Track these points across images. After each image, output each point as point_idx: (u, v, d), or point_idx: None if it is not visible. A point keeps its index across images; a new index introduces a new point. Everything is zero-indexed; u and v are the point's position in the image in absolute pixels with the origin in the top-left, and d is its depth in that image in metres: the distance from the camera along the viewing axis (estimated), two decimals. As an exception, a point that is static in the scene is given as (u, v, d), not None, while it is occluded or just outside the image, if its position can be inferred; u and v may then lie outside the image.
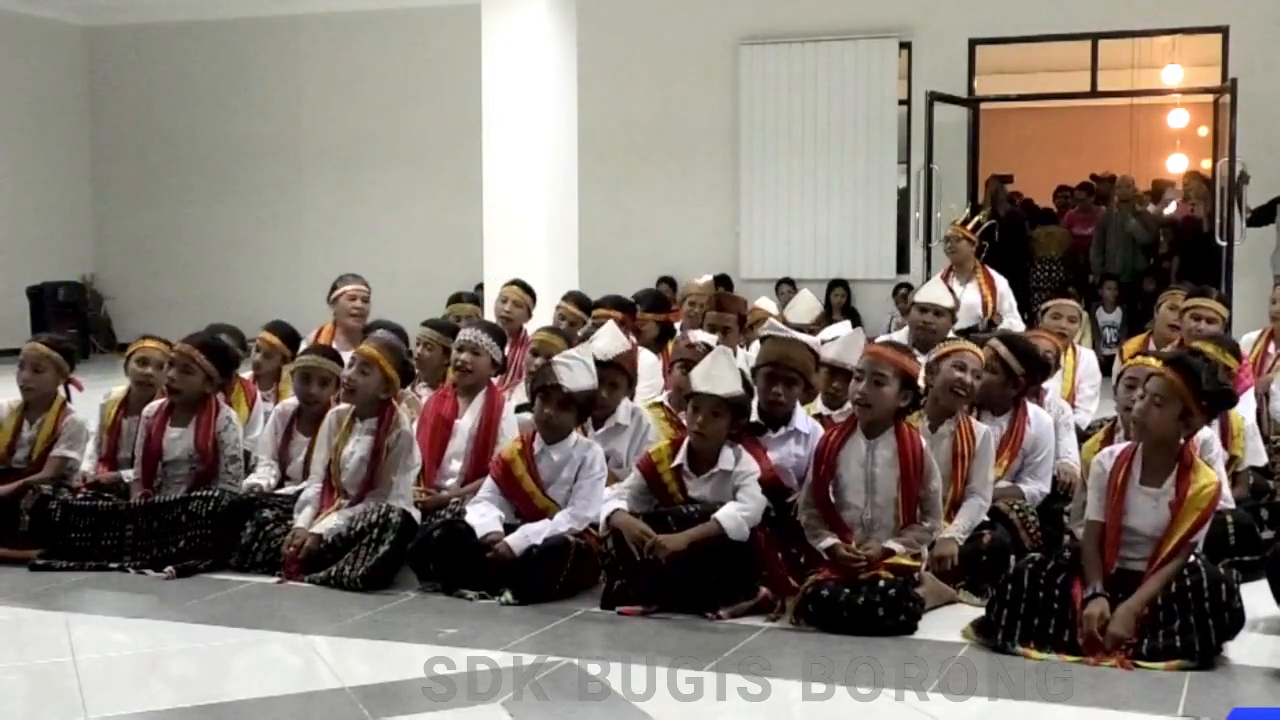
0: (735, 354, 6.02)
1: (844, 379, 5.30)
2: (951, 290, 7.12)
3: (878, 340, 5.25)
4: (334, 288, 7.68)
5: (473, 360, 5.74)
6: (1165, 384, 4.24)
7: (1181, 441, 4.31)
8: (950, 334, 6.45)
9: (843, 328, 6.14)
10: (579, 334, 6.78)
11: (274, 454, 5.84)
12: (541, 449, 5.09)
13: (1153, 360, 4.92)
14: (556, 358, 5.19)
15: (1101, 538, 4.27)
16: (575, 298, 7.98)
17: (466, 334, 5.86)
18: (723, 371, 4.81)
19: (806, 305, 7.23)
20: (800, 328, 6.57)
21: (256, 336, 6.85)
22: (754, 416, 5.03)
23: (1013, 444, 5.31)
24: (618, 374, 5.48)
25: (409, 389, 6.56)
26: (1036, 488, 5.34)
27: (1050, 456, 5.42)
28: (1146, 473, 4.30)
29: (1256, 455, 5.66)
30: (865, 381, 4.68)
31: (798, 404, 5.28)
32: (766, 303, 7.53)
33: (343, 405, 5.54)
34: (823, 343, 5.68)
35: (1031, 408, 5.43)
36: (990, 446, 5.04)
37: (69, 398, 6.02)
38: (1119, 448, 4.45)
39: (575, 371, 5.07)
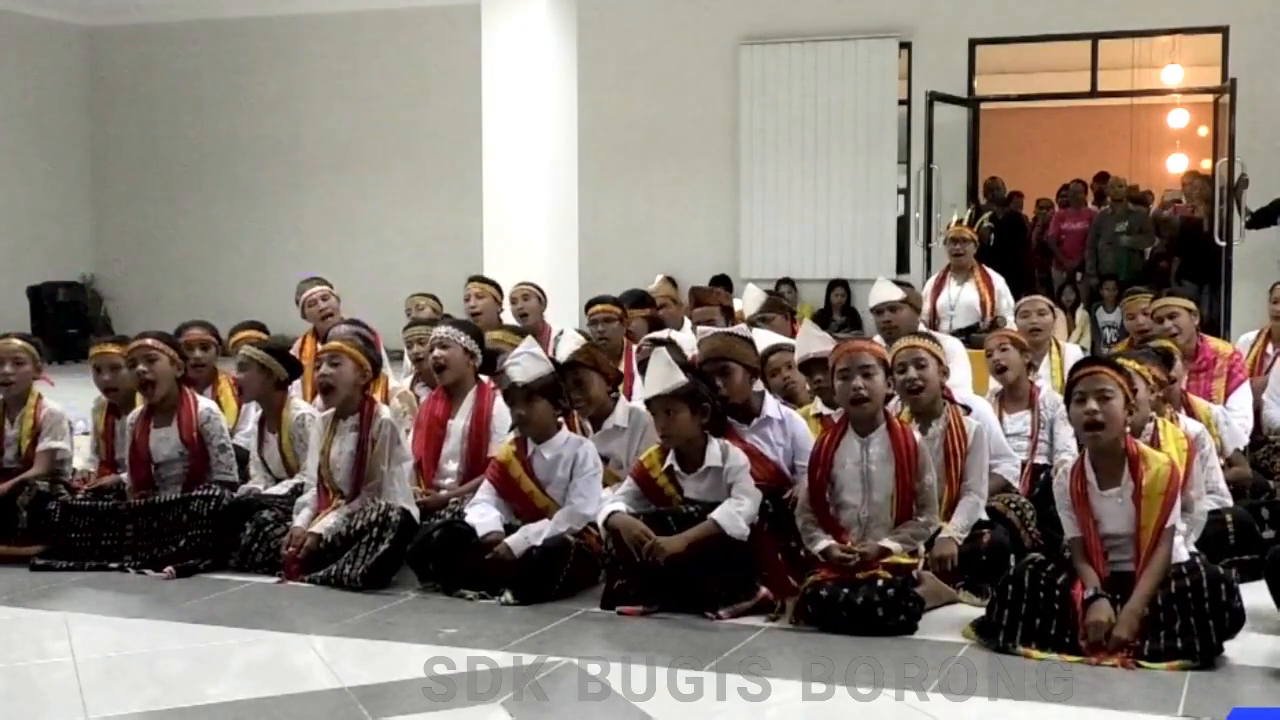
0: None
1: (824, 370, 5.27)
2: (906, 285, 7.18)
3: (840, 340, 5.16)
4: (297, 298, 7.62)
5: (445, 355, 5.74)
6: (1103, 378, 4.30)
7: (1125, 436, 4.34)
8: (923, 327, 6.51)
9: (764, 334, 6.13)
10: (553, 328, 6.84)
11: (257, 458, 5.86)
12: (534, 449, 5.11)
13: (1127, 361, 4.92)
14: (506, 361, 5.24)
15: (1085, 550, 4.29)
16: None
17: (438, 331, 5.87)
18: (660, 370, 4.86)
19: (753, 296, 7.36)
20: (752, 321, 6.69)
21: (232, 341, 6.81)
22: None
23: (960, 438, 5.14)
24: (583, 370, 5.40)
25: (410, 389, 6.58)
26: (1008, 465, 5.34)
27: (999, 435, 5.40)
28: (1101, 477, 4.32)
29: (1234, 438, 5.69)
30: (857, 377, 4.68)
31: (766, 394, 5.31)
32: (754, 290, 7.58)
33: (327, 410, 5.52)
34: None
35: (960, 395, 5.40)
36: (984, 441, 5.02)
37: (40, 394, 6.03)
38: (1070, 463, 4.49)
39: (524, 364, 5.10)
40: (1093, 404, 4.28)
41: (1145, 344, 5.78)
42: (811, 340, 5.53)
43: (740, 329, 5.56)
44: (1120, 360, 4.79)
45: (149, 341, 5.74)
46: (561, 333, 6.45)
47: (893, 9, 13.34)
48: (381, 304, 8.54)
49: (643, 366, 5.71)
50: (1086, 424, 4.30)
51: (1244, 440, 5.80)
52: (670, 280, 8.52)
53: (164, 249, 15.90)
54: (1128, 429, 4.37)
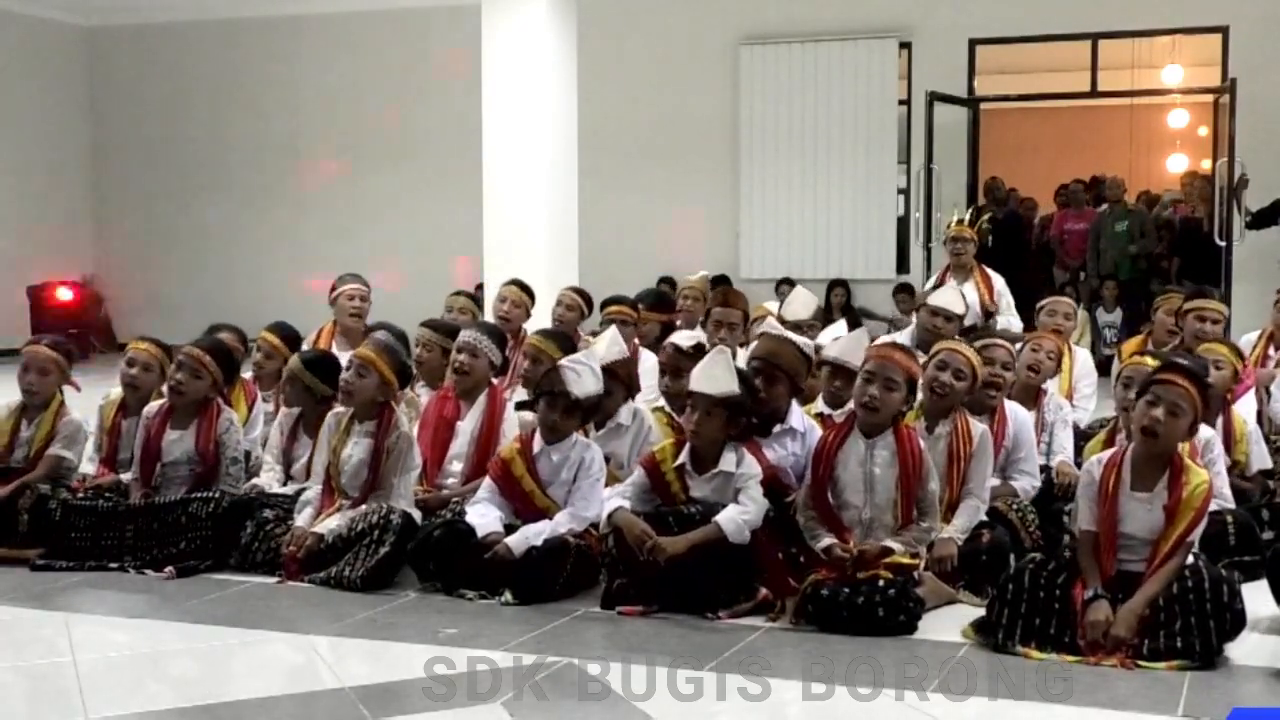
0: (735, 352, 6.06)
1: (845, 378, 5.29)
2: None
3: (881, 341, 5.22)
4: (333, 287, 7.67)
5: (470, 362, 5.73)
6: (1183, 394, 4.23)
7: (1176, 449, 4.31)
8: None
9: (841, 327, 6.14)
10: (583, 333, 6.77)
11: (279, 456, 5.85)
12: (541, 449, 5.09)
13: (1150, 360, 4.91)
14: (564, 362, 5.15)
15: (1096, 545, 4.27)
16: (577, 290, 8.00)
17: (466, 335, 5.85)
18: (719, 372, 4.80)
19: (802, 300, 7.21)
20: (799, 324, 6.57)
21: (258, 337, 6.84)
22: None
23: (994, 443, 5.25)
24: (612, 381, 5.42)
25: (409, 390, 6.57)
26: (1027, 483, 5.35)
27: (1033, 451, 5.42)
28: (1137, 478, 4.29)
29: (1261, 459, 5.65)
30: (876, 385, 4.66)
31: (794, 403, 5.27)
32: (804, 294, 7.51)
33: (340, 408, 5.53)
34: (819, 348, 5.67)
35: (1008, 405, 5.43)
36: (988, 447, 5.02)
37: (63, 399, 6.01)
38: (1107, 454, 4.44)
39: (584, 378, 5.05)
40: (1159, 413, 4.21)
41: (1189, 350, 5.77)
42: (855, 347, 5.36)
43: (805, 342, 5.42)
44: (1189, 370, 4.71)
45: (203, 357, 5.66)
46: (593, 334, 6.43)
47: (893, 9, 13.34)
48: (380, 304, 8.49)
49: (665, 371, 5.68)
50: (1144, 428, 4.23)
51: (1268, 463, 5.73)
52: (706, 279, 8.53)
53: (164, 249, 15.89)
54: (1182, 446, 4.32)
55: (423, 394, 6.38)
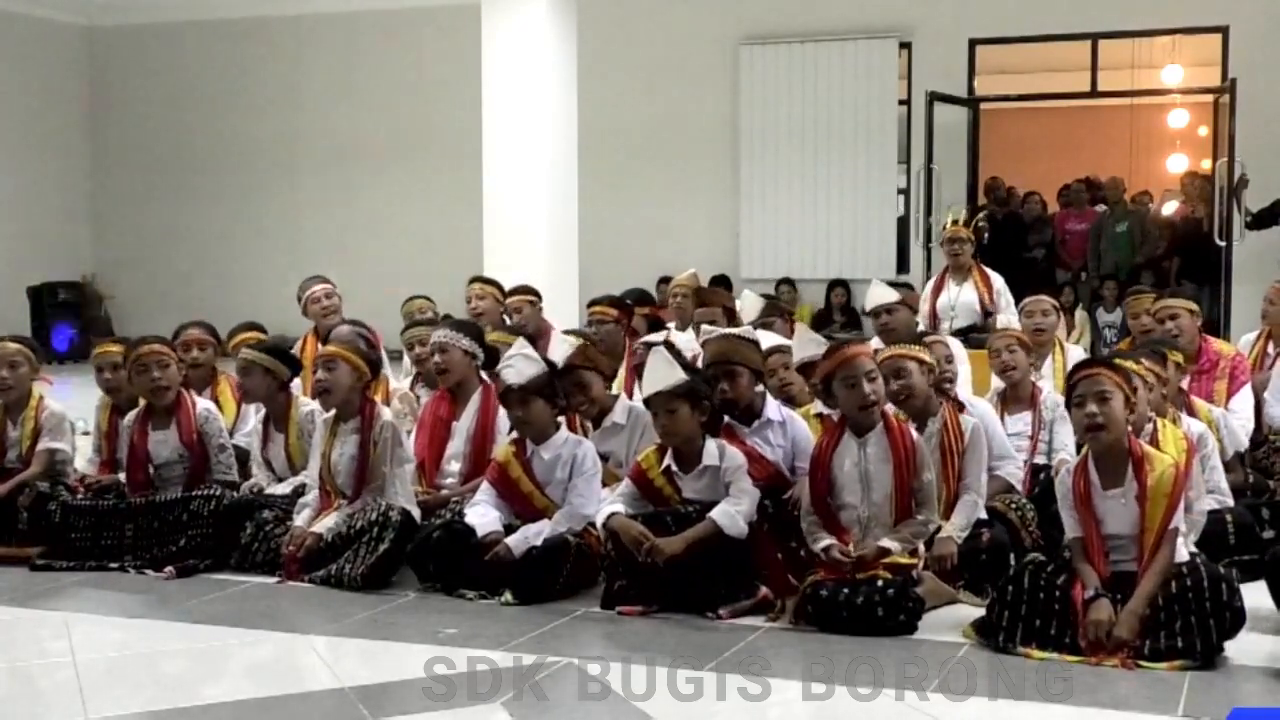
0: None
1: None
2: (905, 287, 7.17)
3: (831, 348, 5.08)
4: (300, 296, 7.62)
5: (444, 359, 5.74)
6: (1102, 378, 4.30)
7: (1129, 436, 4.34)
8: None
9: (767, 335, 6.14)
10: (557, 330, 6.82)
11: (263, 464, 5.85)
12: (532, 449, 5.11)
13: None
14: (500, 365, 5.25)
15: (1087, 550, 4.29)
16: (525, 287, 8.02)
17: (436, 335, 5.86)
18: (659, 368, 4.86)
19: (750, 302, 7.35)
20: (751, 324, 6.66)
21: (231, 344, 6.80)
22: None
23: (956, 436, 5.14)
24: (587, 373, 5.45)
25: (410, 389, 6.58)
26: (1011, 467, 5.34)
27: (1003, 437, 5.41)
28: (1104, 477, 4.32)
29: (1235, 442, 5.67)
30: (864, 383, 4.66)
31: (768, 396, 5.31)
32: (751, 296, 7.57)
33: (327, 413, 5.51)
34: (779, 349, 5.74)
35: (962, 395, 5.43)
36: (981, 440, 5.02)
37: (42, 394, 6.02)
38: (1073, 462, 4.48)
39: (518, 365, 5.10)
40: (1092, 406, 4.28)
41: (1147, 343, 5.77)
42: (808, 344, 5.56)
43: (745, 331, 5.55)
44: (1118, 360, 4.79)
45: (159, 348, 5.75)
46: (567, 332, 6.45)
47: (893, 9, 13.34)
48: (381, 304, 8.54)
49: (638, 369, 5.70)
50: (1087, 426, 4.30)
51: (1244, 444, 5.77)
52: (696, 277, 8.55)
53: (164, 249, 15.89)
54: (1129, 428, 4.37)
55: (423, 395, 6.38)
